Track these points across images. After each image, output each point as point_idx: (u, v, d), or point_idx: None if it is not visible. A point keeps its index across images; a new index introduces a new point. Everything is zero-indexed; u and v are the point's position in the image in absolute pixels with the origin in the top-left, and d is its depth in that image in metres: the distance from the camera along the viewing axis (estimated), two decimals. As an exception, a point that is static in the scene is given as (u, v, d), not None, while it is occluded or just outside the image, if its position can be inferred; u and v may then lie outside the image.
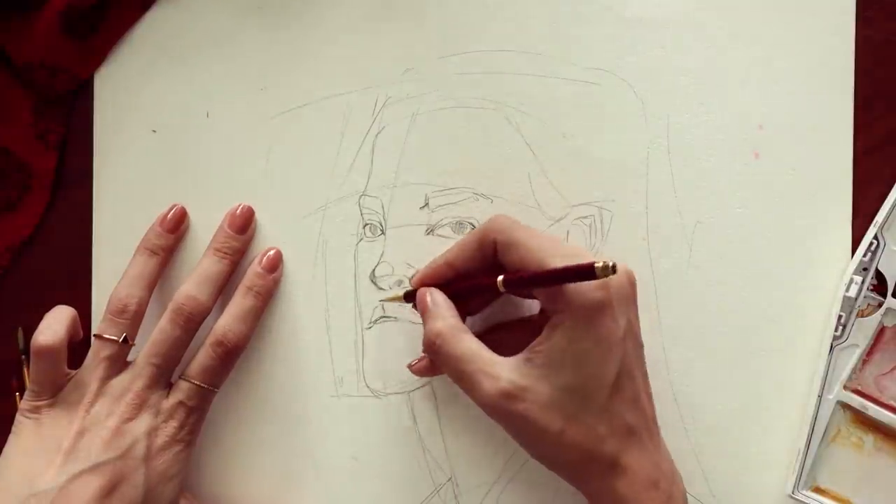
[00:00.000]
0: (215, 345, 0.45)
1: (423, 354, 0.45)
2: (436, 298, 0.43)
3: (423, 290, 0.44)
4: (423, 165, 0.48)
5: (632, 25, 0.47)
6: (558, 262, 0.39)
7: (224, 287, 0.47)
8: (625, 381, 0.40)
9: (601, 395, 0.39)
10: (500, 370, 0.40)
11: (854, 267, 0.46)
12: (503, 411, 0.40)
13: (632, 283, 0.41)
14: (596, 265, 0.36)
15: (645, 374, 0.42)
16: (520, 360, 0.40)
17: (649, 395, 0.42)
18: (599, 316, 0.39)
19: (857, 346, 0.46)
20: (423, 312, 0.43)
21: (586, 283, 0.39)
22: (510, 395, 0.39)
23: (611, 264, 0.36)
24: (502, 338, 0.43)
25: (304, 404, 0.48)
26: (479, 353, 0.41)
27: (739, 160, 0.47)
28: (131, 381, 0.44)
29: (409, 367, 0.46)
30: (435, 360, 0.43)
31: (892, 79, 0.47)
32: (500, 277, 0.41)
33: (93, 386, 0.44)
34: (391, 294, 0.47)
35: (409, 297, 0.45)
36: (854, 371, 0.46)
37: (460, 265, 0.43)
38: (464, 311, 0.44)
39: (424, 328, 0.42)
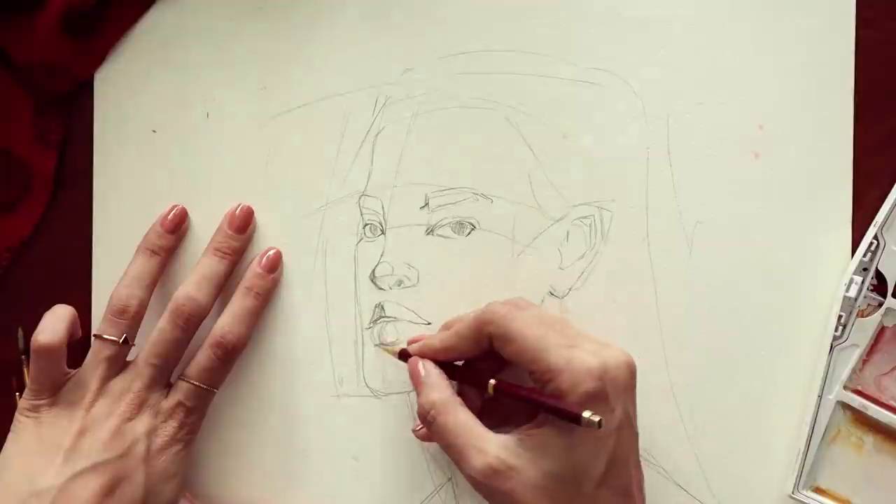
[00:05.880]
0: (214, 346, 0.45)
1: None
2: (428, 369, 0.43)
3: (414, 359, 0.44)
4: (423, 165, 0.48)
5: (632, 25, 0.47)
6: (553, 357, 0.39)
7: (223, 287, 0.47)
8: (615, 472, 0.40)
9: (589, 485, 0.39)
10: (490, 446, 0.40)
11: (854, 267, 0.46)
12: (489, 487, 0.39)
13: (631, 372, 0.40)
14: (583, 416, 0.37)
15: (638, 464, 0.41)
16: (511, 440, 0.40)
17: (640, 486, 0.41)
18: (592, 406, 0.38)
19: (857, 346, 0.46)
20: (416, 383, 0.43)
21: (582, 371, 0.39)
22: (497, 472, 0.39)
23: (596, 420, 0.37)
24: (501, 413, 0.43)
25: (304, 404, 0.48)
26: (471, 427, 0.41)
27: (739, 160, 0.47)
28: (131, 381, 0.44)
29: (414, 431, 0.45)
30: (428, 430, 0.42)
31: (892, 79, 0.47)
32: (492, 382, 0.41)
33: (93, 386, 0.44)
34: (389, 347, 0.47)
35: (403, 356, 0.45)
36: (854, 371, 0.46)
37: (457, 353, 0.43)
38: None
39: (418, 398, 0.42)
